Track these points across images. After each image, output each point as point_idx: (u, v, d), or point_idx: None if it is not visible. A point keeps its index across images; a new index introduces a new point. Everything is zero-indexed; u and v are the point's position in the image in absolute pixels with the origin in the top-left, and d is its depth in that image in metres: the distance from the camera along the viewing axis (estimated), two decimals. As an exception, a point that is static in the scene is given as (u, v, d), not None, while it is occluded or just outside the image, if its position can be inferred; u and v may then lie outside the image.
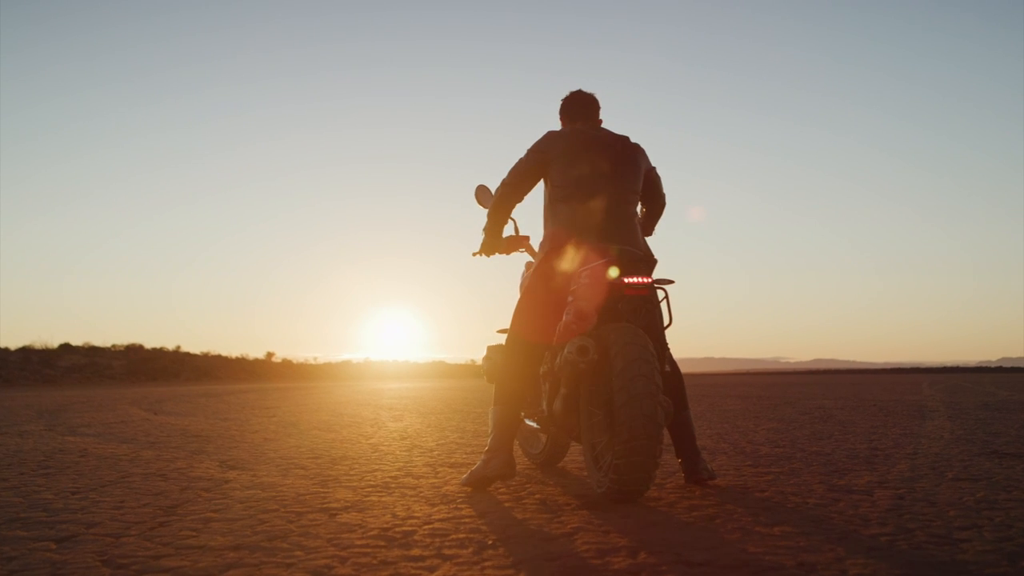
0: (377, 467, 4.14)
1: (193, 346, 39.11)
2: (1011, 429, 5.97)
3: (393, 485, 3.51)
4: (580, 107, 3.58)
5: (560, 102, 3.66)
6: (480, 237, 3.74)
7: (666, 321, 3.13)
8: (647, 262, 3.13)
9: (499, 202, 3.53)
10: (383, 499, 3.15)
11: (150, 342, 33.97)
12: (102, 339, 36.91)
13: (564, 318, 3.06)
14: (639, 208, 3.58)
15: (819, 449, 4.73)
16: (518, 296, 3.57)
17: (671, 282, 3.13)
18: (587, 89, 3.67)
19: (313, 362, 40.01)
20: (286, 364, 37.97)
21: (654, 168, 3.59)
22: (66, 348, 29.91)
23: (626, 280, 2.96)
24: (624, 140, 3.45)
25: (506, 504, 2.99)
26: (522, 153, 3.48)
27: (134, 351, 31.74)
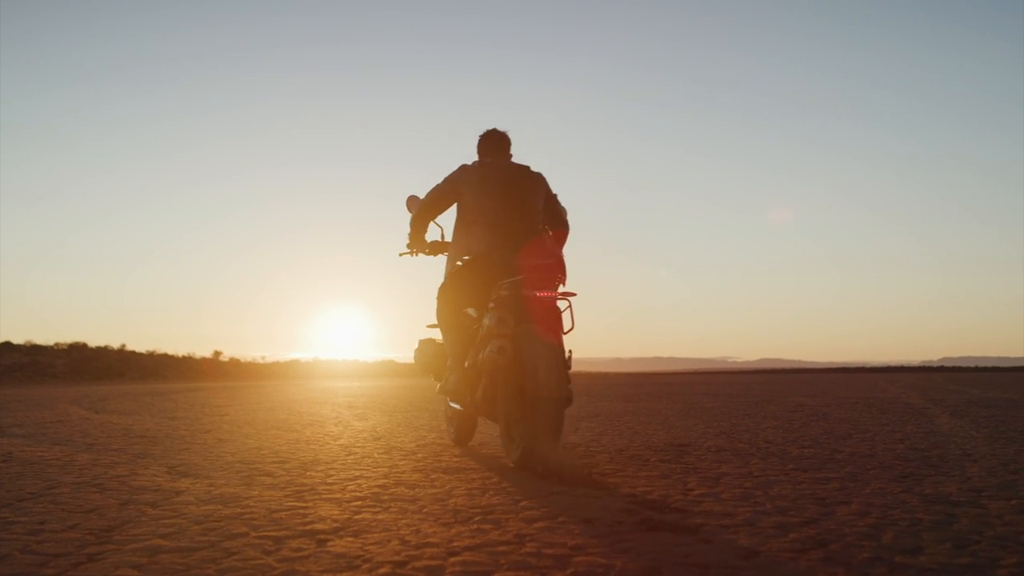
0: (358, 473, 3.42)
1: (139, 345, 37.48)
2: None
3: (385, 497, 2.80)
4: (493, 143, 4.14)
5: (478, 137, 4.20)
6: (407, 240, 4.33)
7: (568, 326, 3.49)
8: (556, 277, 3.48)
9: (418, 214, 4.16)
10: (379, 517, 2.44)
11: (94, 340, 32.51)
12: (44, 337, 35.19)
13: (486, 322, 3.54)
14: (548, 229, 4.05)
15: (855, 450, 4.12)
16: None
17: (574, 294, 3.52)
18: (501, 128, 4.18)
19: (261, 361, 38.72)
20: (234, 363, 36.69)
21: (555, 195, 4.11)
22: (7, 346, 28.40)
23: (538, 293, 3.40)
24: (526, 170, 4.01)
25: (540, 523, 2.30)
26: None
27: (78, 350, 30.29)
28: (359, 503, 2.67)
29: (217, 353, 36.65)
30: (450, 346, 3.96)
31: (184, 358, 34.31)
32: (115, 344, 32.23)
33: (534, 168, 4.05)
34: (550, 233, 3.92)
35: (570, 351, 3.46)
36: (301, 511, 2.53)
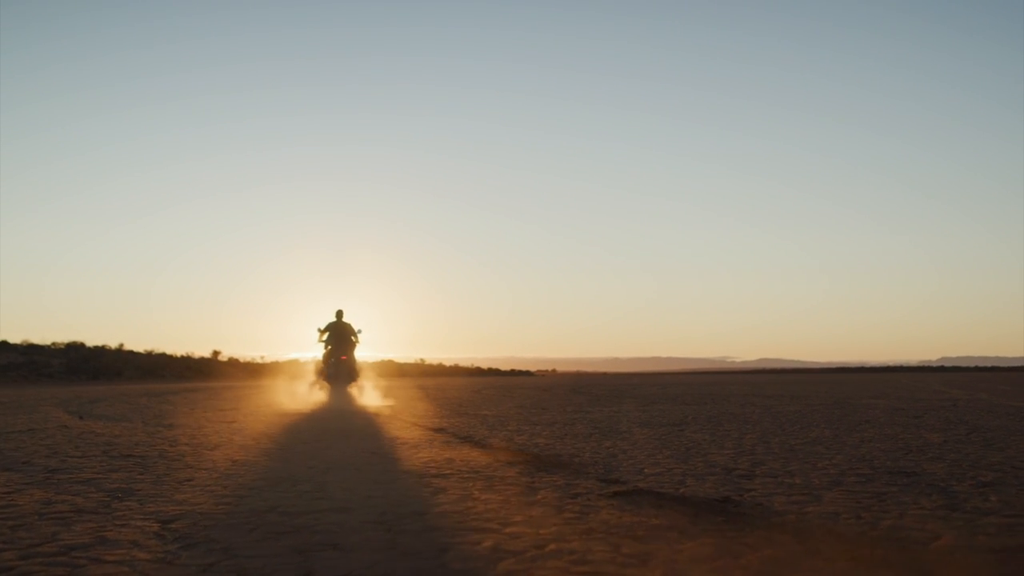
0: (482, 535, 1.89)
1: (137, 344, 35.61)
2: None
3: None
4: (337, 314, 12.57)
5: (335, 311, 12.59)
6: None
7: (357, 367, 12.56)
8: (350, 354, 12.40)
9: (319, 339, 12.55)
10: None
11: (92, 340, 30.69)
12: (41, 336, 33.31)
13: (326, 365, 12.52)
14: (354, 340, 12.51)
15: None
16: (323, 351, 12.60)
17: (354, 359, 12.60)
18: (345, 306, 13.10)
19: (260, 360, 36.97)
20: (233, 362, 35.01)
21: (355, 330, 12.52)
22: (3, 345, 26.65)
23: (343, 357, 12.34)
24: (345, 323, 12.51)
25: None
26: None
27: (75, 349, 28.52)
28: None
29: (216, 352, 34.94)
30: (320, 365, 12.40)
31: (182, 357, 32.60)
32: (113, 343, 30.52)
33: (349, 320, 12.63)
34: (354, 340, 12.45)
35: (359, 367, 12.63)
36: None
